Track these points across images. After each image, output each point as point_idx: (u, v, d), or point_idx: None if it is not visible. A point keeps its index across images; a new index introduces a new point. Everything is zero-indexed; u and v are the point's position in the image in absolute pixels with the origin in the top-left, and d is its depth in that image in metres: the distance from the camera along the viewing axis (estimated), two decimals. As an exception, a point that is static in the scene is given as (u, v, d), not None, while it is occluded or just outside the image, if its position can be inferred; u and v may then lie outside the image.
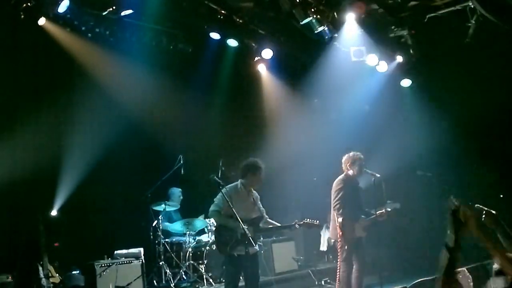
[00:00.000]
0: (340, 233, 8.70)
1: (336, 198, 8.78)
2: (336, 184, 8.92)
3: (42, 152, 10.48)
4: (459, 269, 8.37)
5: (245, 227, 7.11)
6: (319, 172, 13.53)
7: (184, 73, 12.31)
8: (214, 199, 7.72)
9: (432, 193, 13.56)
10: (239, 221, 7.10)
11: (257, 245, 7.48)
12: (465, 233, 3.66)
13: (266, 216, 7.94)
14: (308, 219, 8.00)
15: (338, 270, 8.93)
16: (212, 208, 7.69)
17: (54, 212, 10.54)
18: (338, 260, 8.95)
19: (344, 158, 9.08)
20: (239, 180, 7.92)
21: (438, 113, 13.52)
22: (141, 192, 10.97)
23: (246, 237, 7.10)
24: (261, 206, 7.98)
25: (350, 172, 8.97)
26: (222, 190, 7.57)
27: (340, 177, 8.98)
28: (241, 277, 7.90)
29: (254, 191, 7.99)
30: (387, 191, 8.87)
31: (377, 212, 8.76)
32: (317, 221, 8.11)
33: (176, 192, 11.79)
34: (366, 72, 12.84)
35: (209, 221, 10.98)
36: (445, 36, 12.18)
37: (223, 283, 9.40)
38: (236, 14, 10.99)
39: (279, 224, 8.09)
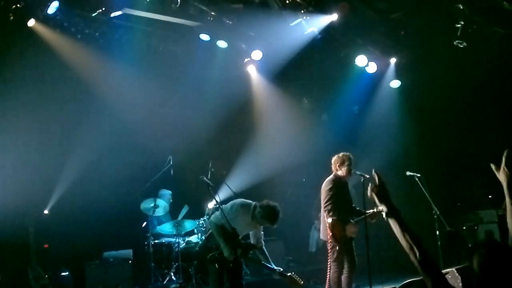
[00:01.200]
0: (330, 233, 8.72)
1: (326, 199, 8.78)
2: (325, 185, 8.92)
3: (32, 153, 10.47)
4: (448, 270, 8.45)
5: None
6: (308, 173, 13.57)
7: (174, 74, 12.29)
8: (216, 211, 7.62)
9: (421, 194, 13.61)
10: (232, 241, 7.09)
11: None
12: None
13: (262, 243, 7.80)
14: (294, 274, 7.73)
15: (328, 271, 8.94)
16: (212, 219, 7.58)
17: (46, 211, 10.50)
18: (329, 260, 8.96)
19: (334, 158, 9.06)
20: (254, 204, 7.62)
21: (427, 114, 13.59)
22: (131, 193, 10.95)
23: (237, 247, 7.10)
24: (261, 231, 7.81)
25: (340, 172, 8.97)
26: (235, 202, 7.57)
27: (329, 177, 8.97)
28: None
29: None
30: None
31: (367, 212, 8.76)
32: (302, 281, 7.74)
33: (166, 194, 11.77)
34: (355, 72, 12.89)
35: (199, 222, 11.00)
36: (434, 37, 12.24)
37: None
38: (225, 15, 11.00)
39: (268, 260, 7.80)
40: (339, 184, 8.89)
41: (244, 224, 7.55)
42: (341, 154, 9.02)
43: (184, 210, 11.57)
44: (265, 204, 7.47)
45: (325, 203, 8.77)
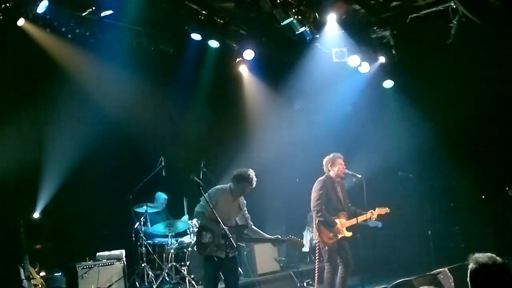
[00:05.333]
0: (317, 234, 8.74)
1: (315, 200, 8.78)
2: (315, 185, 8.90)
3: (23, 154, 10.42)
4: (440, 269, 8.43)
5: (226, 229, 7.06)
6: (301, 173, 13.53)
7: (165, 75, 12.27)
8: (200, 199, 7.64)
9: (412, 194, 13.62)
10: (222, 224, 7.05)
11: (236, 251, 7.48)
12: None
13: (251, 223, 7.84)
14: (292, 236, 7.85)
15: (316, 271, 8.98)
16: (197, 209, 7.62)
17: (36, 215, 10.44)
18: (316, 261, 8.99)
19: (325, 159, 9.05)
20: (229, 184, 7.78)
21: (420, 114, 13.58)
22: (123, 194, 10.92)
23: (228, 239, 7.06)
24: (246, 212, 7.89)
25: (331, 173, 8.96)
26: (210, 190, 7.62)
27: (320, 178, 8.95)
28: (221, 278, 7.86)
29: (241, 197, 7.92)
30: (368, 192, 8.87)
31: (362, 212, 8.78)
32: (301, 240, 7.98)
33: (161, 197, 11.76)
34: (348, 73, 12.85)
35: (191, 222, 10.97)
36: (427, 37, 12.23)
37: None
38: (217, 14, 10.95)
39: (262, 233, 7.89)
40: (329, 185, 8.87)
41: (228, 206, 7.65)
42: (332, 155, 9.01)
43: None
44: (234, 174, 7.71)
45: (313, 204, 8.78)
